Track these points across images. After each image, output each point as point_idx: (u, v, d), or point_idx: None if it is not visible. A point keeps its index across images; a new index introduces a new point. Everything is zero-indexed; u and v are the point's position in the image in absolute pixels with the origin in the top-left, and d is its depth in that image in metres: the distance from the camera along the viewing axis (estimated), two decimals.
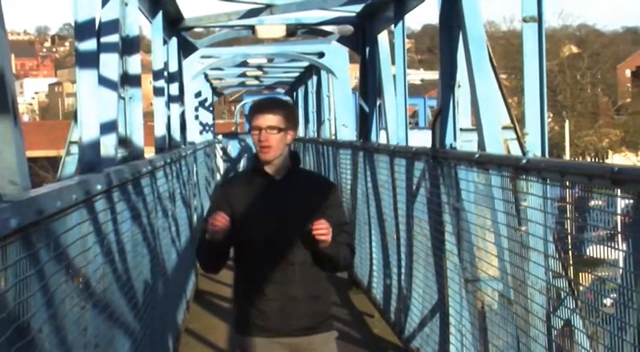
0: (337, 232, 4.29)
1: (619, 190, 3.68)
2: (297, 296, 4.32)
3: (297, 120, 4.54)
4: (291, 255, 4.31)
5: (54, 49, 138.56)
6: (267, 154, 4.33)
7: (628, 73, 74.67)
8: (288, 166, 4.40)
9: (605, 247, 3.83)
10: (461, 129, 7.36)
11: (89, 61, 5.72)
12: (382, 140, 11.19)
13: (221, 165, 26.08)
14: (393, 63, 10.38)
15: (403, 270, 8.69)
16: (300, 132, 21.57)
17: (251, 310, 4.34)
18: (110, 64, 6.53)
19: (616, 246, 3.78)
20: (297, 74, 22.98)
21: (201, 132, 20.92)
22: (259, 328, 4.34)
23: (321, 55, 15.90)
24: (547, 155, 6.07)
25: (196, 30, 13.72)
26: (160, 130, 10.14)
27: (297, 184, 4.40)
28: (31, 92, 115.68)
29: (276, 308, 4.32)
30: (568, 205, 4.43)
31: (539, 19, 6.05)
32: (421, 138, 11.01)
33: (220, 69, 20.26)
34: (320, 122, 20.08)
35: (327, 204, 4.39)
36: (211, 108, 25.44)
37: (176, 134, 11.59)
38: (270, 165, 4.36)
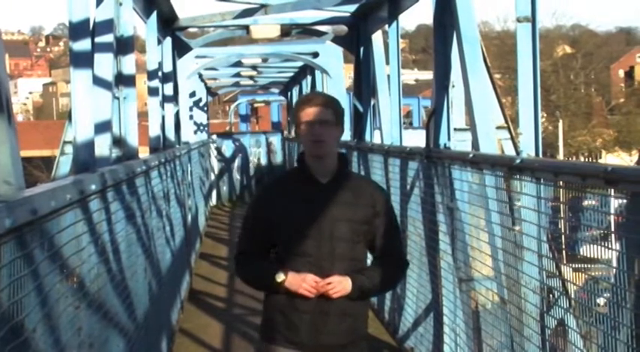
0: (385, 244, 4.11)
1: (612, 190, 3.68)
2: (330, 311, 4.06)
3: (344, 116, 4.27)
4: (330, 267, 4.04)
5: (48, 49, 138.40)
6: (322, 148, 4.05)
7: (621, 73, 74.78)
8: (335, 168, 4.12)
9: (599, 247, 3.84)
10: (455, 129, 7.36)
11: (83, 60, 5.73)
12: (376, 140, 11.20)
13: (215, 164, 26.03)
14: (387, 63, 10.38)
15: None
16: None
17: (281, 319, 4.11)
18: (104, 64, 6.53)
19: (609, 246, 3.79)
20: (291, 74, 22.97)
21: (195, 132, 20.89)
22: (287, 339, 4.11)
23: (315, 55, 15.91)
24: (541, 155, 6.09)
25: (191, 30, 13.71)
26: (154, 130, 10.13)
27: (344, 190, 4.10)
28: (25, 92, 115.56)
29: (307, 322, 4.07)
30: (562, 205, 4.44)
31: (533, 19, 6.06)
32: (415, 138, 11.02)
33: (215, 69, 20.26)
34: None
35: (376, 213, 4.12)
36: (206, 108, 25.42)
37: (170, 134, 11.58)
38: (318, 166, 4.09)
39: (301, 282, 3.99)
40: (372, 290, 4.17)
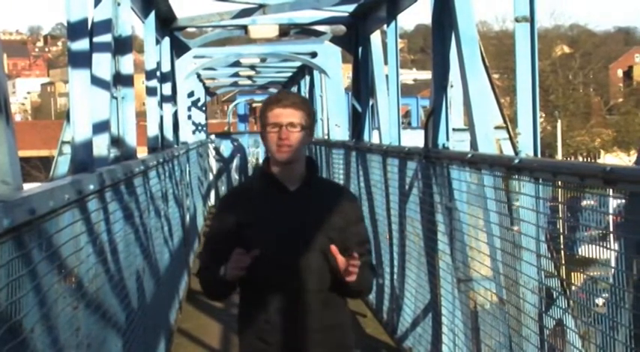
0: (359, 252, 3.74)
1: (611, 190, 3.68)
2: (312, 326, 3.72)
3: (316, 118, 4.00)
4: (306, 279, 3.71)
5: (46, 49, 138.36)
6: (287, 153, 3.72)
7: (620, 72, 74.83)
8: (303, 174, 3.81)
9: (597, 247, 3.84)
10: (453, 129, 7.37)
11: (82, 60, 5.72)
12: (375, 140, 11.21)
13: (214, 164, 26.02)
14: (386, 63, 10.39)
15: (396, 270, 8.70)
16: None
17: (256, 342, 3.76)
18: (103, 64, 6.53)
19: (608, 246, 3.79)
20: (289, 74, 22.98)
21: (193, 132, 20.91)
22: None
23: (313, 54, 15.91)
24: (539, 155, 6.08)
25: (189, 30, 13.71)
26: (152, 130, 10.13)
27: (314, 196, 3.78)
28: (23, 92, 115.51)
29: (287, 341, 3.72)
30: (560, 205, 4.44)
31: (532, 19, 6.06)
32: (414, 138, 11.04)
33: (213, 69, 20.26)
34: None
35: (349, 220, 3.82)
36: (204, 108, 25.42)
37: (169, 134, 11.58)
38: (284, 172, 3.77)
39: (232, 262, 3.64)
40: (360, 288, 3.86)
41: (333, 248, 3.66)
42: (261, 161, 26.95)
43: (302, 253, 3.72)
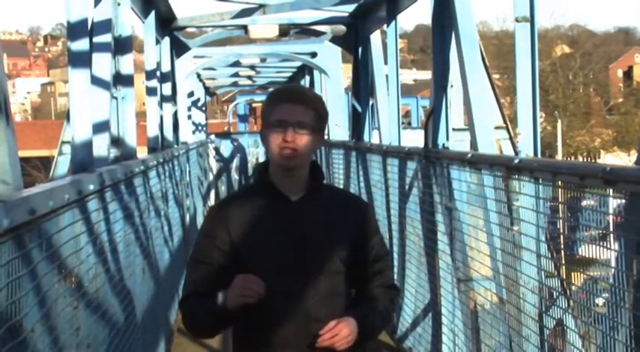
0: (375, 271, 3.26)
1: (611, 190, 3.68)
2: None
3: (328, 120, 3.31)
4: (313, 306, 3.13)
5: (46, 49, 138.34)
6: (293, 160, 3.13)
7: (620, 73, 74.82)
8: (307, 182, 3.22)
9: (598, 247, 3.84)
10: (453, 129, 7.37)
11: (81, 60, 5.72)
12: (375, 140, 11.21)
13: (214, 164, 26.03)
14: (386, 63, 10.39)
15: (396, 270, 8.70)
16: None
17: None
18: (102, 64, 6.53)
19: (608, 246, 3.79)
20: (289, 74, 22.96)
21: (193, 132, 20.90)
22: None
23: (313, 54, 15.91)
24: (539, 155, 6.08)
25: (189, 30, 13.71)
26: (152, 130, 10.13)
27: (321, 208, 3.20)
28: (23, 92, 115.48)
29: None
30: (560, 205, 4.44)
31: (532, 19, 6.06)
32: (414, 138, 11.04)
33: (213, 69, 20.26)
34: None
35: (363, 234, 3.25)
36: (204, 108, 25.41)
37: (169, 134, 11.58)
38: (287, 180, 3.18)
39: (239, 287, 3.04)
40: (374, 332, 3.30)
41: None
42: (261, 161, 27.03)
43: (308, 276, 3.14)
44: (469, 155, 5.94)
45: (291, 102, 3.14)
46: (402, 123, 11.69)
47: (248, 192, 3.43)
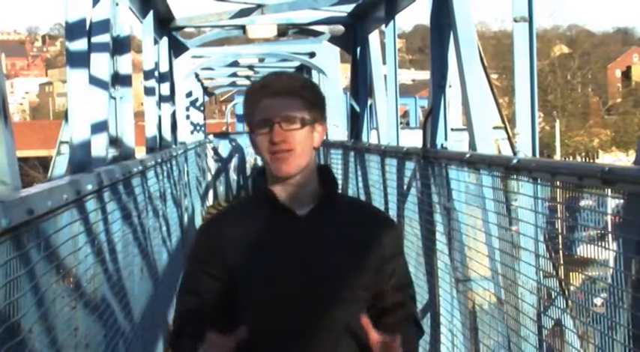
0: (395, 302, 2.71)
1: (609, 190, 3.68)
2: None
3: (325, 107, 2.76)
4: (326, 342, 2.61)
5: (45, 49, 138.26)
6: (288, 164, 2.60)
7: (618, 73, 74.89)
8: (316, 192, 2.66)
9: (596, 247, 3.84)
10: (452, 129, 7.37)
11: (80, 60, 5.72)
12: (373, 140, 11.20)
13: (212, 165, 26.05)
14: (384, 63, 10.39)
15: None
16: None
17: None
18: (101, 64, 6.53)
19: (606, 246, 3.79)
20: None
21: (192, 132, 20.91)
22: None
23: (312, 54, 15.93)
24: (537, 155, 6.08)
25: (187, 30, 13.72)
26: (150, 130, 10.13)
27: (335, 225, 2.65)
28: (21, 92, 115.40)
29: None
30: (559, 205, 4.44)
31: (530, 19, 6.06)
32: (412, 138, 11.03)
33: (211, 69, 20.28)
34: None
35: (385, 257, 2.68)
36: (202, 108, 25.44)
37: (167, 134, 11.58)
38: (290, 190, 2.64)
39: (211, 346, 2.50)
40: None
41: (365, 321, 2.56)
42: (259, 161, 26.84)
43: (320, 307, 2.59)
44: (467, 155, 5.94)
45: (271, 95, 2.61)
46: (401, 123, 11.69)
47: (245, 207, 2.79)
